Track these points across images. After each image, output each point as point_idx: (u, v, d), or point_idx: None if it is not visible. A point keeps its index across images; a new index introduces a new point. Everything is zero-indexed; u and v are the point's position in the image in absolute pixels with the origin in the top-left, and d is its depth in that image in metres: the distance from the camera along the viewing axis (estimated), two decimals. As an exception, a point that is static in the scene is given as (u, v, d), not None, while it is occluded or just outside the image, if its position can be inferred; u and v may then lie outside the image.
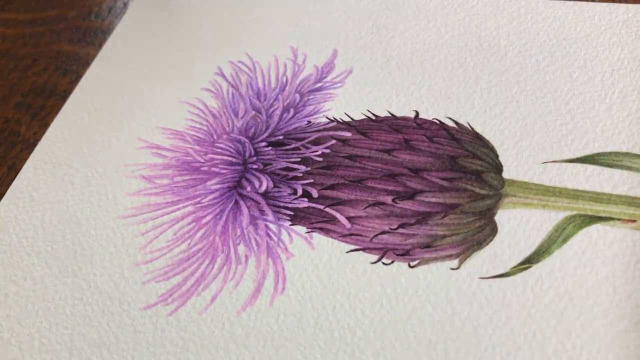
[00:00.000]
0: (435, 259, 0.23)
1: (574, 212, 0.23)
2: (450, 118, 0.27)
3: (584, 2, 0.31)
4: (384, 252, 0.23)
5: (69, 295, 0.24)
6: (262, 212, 0.25)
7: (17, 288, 0.24)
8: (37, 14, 0.39)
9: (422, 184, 0.24)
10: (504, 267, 0.22)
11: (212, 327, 0.22)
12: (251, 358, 0.22)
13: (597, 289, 0.21)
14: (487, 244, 0.23)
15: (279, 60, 0.31)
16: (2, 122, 0.32)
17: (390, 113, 0.28)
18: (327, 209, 0.25)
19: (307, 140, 0.27)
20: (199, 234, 0.25)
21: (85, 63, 0.34)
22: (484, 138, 0.26)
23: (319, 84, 0.30)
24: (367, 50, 0.31)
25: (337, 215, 0.24)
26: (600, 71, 0.28)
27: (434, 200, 0.24)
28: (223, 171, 0.26)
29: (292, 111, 0.28)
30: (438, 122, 0.27)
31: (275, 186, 0.25)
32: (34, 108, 0.32)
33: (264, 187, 0.25)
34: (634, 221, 0.23)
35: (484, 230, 0.23)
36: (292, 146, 0.27)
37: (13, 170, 0.29)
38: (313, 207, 0.25)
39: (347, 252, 0.24)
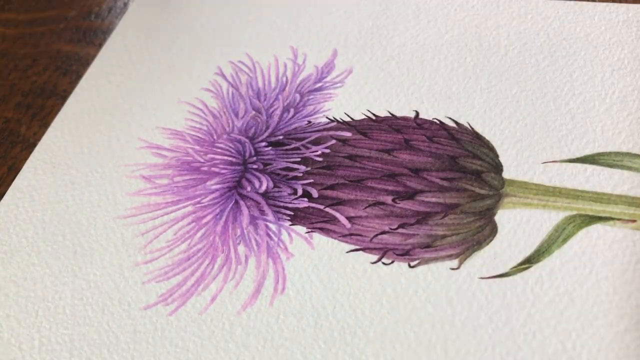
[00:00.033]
0: (435, 259, 0.23)
1: (574, 212, 0.23)
2: (450, 118, 0.27)
3: (584, 2, 0.31)
4: (384, 252, 0.23)
5: (69, 295, 0.24)
6: (262, 212, 0.25)
7: (17, 288, 0.24)
8: (37, 14, 0.39)
9: (422, 184, 0.24)
10: (504, 267, 0.22)
11: (212, 327, 0.22)
12: (251, 358, 0.22)
13: (597, 289, 0.21)
14: (487, 244, 0.23)
15: (279, 60, 0.31)
16: (2, 122, 0.32)
17: (390, 113, 0.28)
18: (327, 209, 0.25)
19: (307, 140, 0.27)
20: (199, 234, 0.25)
21: (85, 63, 0.34)
22: (484, 138, 0.26)
23: (319, 84, 0.30)
24: (367, 50, 0.31)
25: (337, 215, 0.24)
26: (600, 71, 0.28)
27: (434, 200, 0.24)
28: (223, 171, 0.26)
29: (292, 111, 0.28)
30: (438, 122, 0.27)
31: (275, 186, 0.25)
32: (34, 108, 0.32)
33: (264, 187, 0.25)
34: (634, 221, 0.23)
35: (484, 230, 0.23)
36: (292, 146, 0.27)
37: (13, 170, 0.29)
38: (313, 207, 0.25)
39: (347, 252, 0.24)
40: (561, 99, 0.27)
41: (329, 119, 0.28)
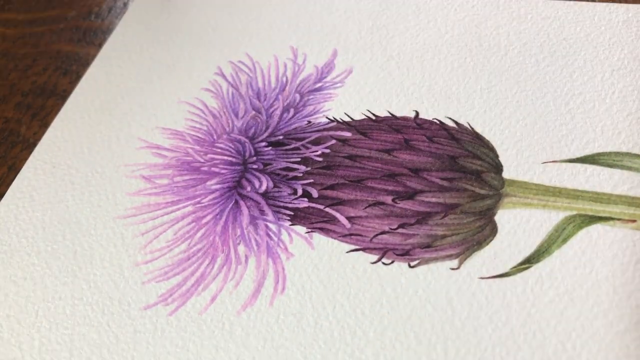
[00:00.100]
0: (435, 259, 0.23)
1: (574, 212, 0.23)
2: (450, 118, 0.27)
3: (584, 2, 0.31)
4: (384, 252, 0.23)
5: (69, 295, 0.24)
6: (262, 212, 0.25)
7: (17, 288, 0.24)
8: (37, 14, 0.39)
9: (422, 184, 0.24)
10: (504, 267, 0.22)
11: (212, 327, 0.22)
12: (251, 358, 0.22)
13: (597, 289, 0.21)
14: (487, 244, 0.23)
15: (279, 60, 0.31)
16: (2, 122, 0.32)
17: (390, 113, 0.28)
18: (327, 209, 0.25)
19: (307, 140, 0.27)
20: (199, 234, 0.25)
21: (85, 63, 0.34)
22: (484, 138, 0.26)
23: (319, 84, 0.30)
24: (367, 50, 0.31)
25: (337, 215, 0.24)
26: (600, 71, 0.28)
27: (434, 200, 0.24)
28: (223, 171, 0.26)
29: (292, 111, 0.28)
30: (438, 122, 0.27)
31: (275, 186, 0.25)
32: (34, 108, 0.32)
33: (264, 187, 0.25)
34: (634, 221, 0.23)
35: (484, 230, 0.23)
36: (292, 146, 0.27)
37: (13, 170, 0.29)
38: (313, 207, 0.25)
39: (347, 252, 0.24)
40: (561, 99, 0.27)
41: (329, 119, 0.28)
